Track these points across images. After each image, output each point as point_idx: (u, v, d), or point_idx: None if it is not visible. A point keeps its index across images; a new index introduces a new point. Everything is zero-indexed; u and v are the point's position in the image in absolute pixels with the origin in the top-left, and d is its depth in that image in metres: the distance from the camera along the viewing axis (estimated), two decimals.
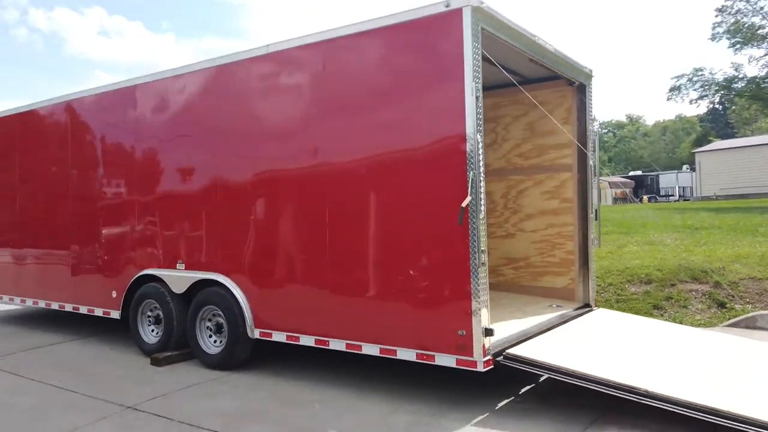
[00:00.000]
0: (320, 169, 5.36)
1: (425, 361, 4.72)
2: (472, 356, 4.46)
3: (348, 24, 5.13)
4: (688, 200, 39.83)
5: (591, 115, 6.73)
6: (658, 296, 8.41)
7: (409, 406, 4.80)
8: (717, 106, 61.51)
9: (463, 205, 4.41)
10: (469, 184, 4.43)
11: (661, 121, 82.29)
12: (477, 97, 4.47)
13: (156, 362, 6.39)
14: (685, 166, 52.20)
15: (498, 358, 4.59)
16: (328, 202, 5.31)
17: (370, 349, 5.04)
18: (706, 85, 32.94)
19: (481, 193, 4.48)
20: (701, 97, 33.95)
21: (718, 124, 65.73)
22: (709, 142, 51.09)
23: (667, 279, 8.84)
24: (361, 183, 5.09)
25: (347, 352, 5.19)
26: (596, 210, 6.69)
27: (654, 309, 8.17)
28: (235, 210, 6.02)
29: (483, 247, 4.48)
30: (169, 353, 6.49)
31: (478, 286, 4.45)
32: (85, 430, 4.57)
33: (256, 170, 5.86)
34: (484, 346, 4.45)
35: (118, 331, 8.08)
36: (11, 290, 8.73)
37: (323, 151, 5.32)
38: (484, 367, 4.43)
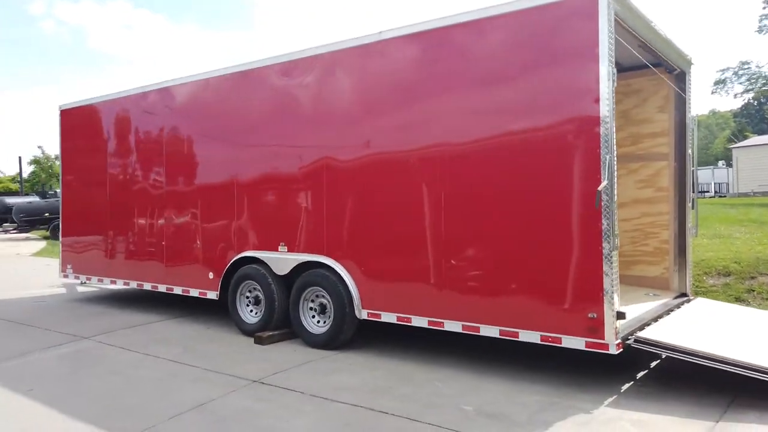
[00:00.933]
0: (439, 152, 5.46)
1: (549, 343, 4.82)
2: (603, 339, 4.54)
3: (479, 8, 5.18)
4: (724, 197, 39.11)
5: (689, 104, 6.73)
6: (739, 288, 8.36)
7: (532, 387, 4.91)
8: (752, 101, 60.21)
9: (600, 188, 4.49)
10: (605, 168, 4.50)
11: (695, 116, 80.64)
12: (612, 81, 4.53)
13: (260, 341, 6.59)
14: (720, 162, 51.23)
15: (627, 341, 4.67)
16: (448, 186, 5.40)
17: (489, 331, 5.15)
18: (753, 79, 32.33)
19: (614, 176, 4.55)
20: (746, 91, 33.33)
21: (753, 120, 64.36)
22: (746, 137, 50.05)
23: (746, 271, 8.78)
24: (487, 166, 5.18)
25: (464, 333, 5.31)
26: (693, 199, 6.70)
27: (736, 301, 8.14)
28: (344, 194, 6.16)
29: (616, 231, 4.56)
30: (271, 332, 6.69)
31: (611, 269, 4.53)
32: (221, 402, 4.76)
33: (366, 154, 5.98)
34: (615, 329, 4.53)
35: (208, 311, 8.35)
36: (101, 271, 9.03)
37: (445, 134, 5.41)
38: (616, 350, 4.51)
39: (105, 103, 8.99)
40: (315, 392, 4.87)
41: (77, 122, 9.51)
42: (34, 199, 26.56)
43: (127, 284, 8.64)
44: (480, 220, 5.22)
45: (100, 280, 9.10)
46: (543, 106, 4.85)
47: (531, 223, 4.93)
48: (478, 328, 5.21)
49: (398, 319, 5.75)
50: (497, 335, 5.10)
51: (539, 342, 4.87)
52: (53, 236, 24.68)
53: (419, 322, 5.60)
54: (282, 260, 6.69)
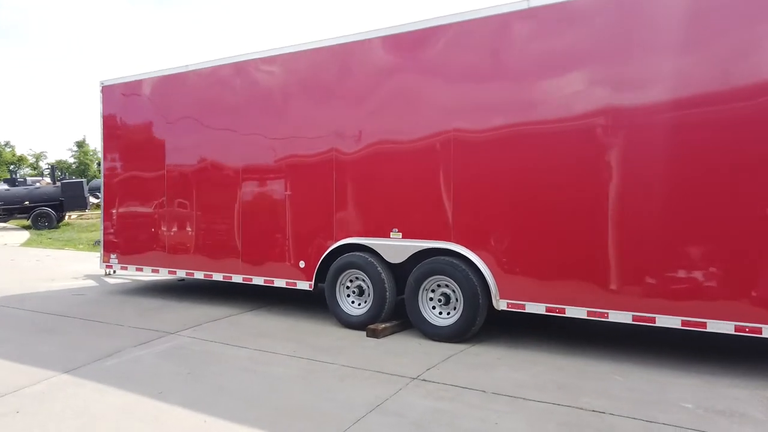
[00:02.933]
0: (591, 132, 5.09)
1: (744, 333, 4.53)
2: None
3: None
4: None
5: None
6: None
7: (727, 380, 4.59)
8: None
9: None
10: None
11: None
12: None
13: (374, 334, 6.11)
14: None
15: None
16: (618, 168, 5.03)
17: (668, 321, 4.82)
18: None
19: None
20: None
21: None
22: None
23: None
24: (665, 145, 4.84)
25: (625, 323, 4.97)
26: None
27: None
28: (478, 174, 5.71)
29: None
30: (386, 325, 6.22)
31: None
32: (397, 402, 4.29)
33: (507, 124, 5.55)
34: None
35: (279, 302, 7.80)
36: (157, 261, 8.33)
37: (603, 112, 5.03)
38: None
39: (161, 79, 8.26)
40: (495, 390, 4.45)
41: (124, 100, 8.73)
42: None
43: (191, 275, 7.97)
44: (659, 205, 4.87)
45: (155, 271, 8.39)
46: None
47: (723, 209, 4.61)
48: (654, 318, 4.88)
49: (548, 309, 5.37)
50: (679, 326, 4.78)
51: (733, 332, 4.57)
52: (35, 226, 23.29)
53: (576, 312, 5.24)
54: (396, 247, 6.21)
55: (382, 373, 4.92)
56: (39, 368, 5.24)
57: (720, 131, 4.63)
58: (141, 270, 8.59)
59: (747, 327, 4.52)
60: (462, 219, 5.82)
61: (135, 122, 8.58)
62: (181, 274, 8.08)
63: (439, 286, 6.03)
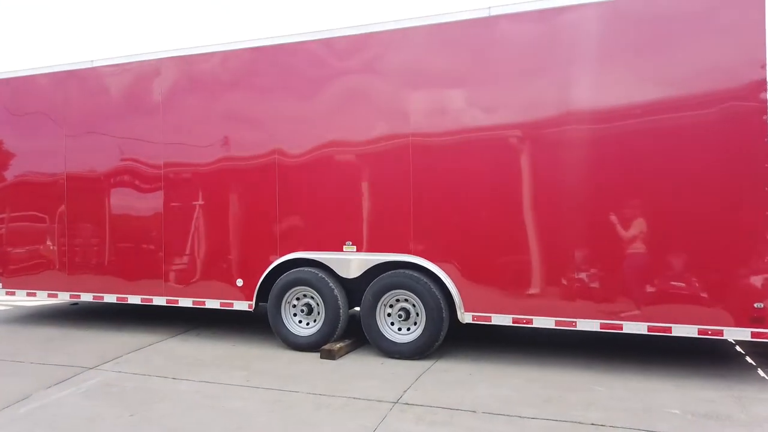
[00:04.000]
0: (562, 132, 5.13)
1: (708, 336, 4.73)
2: None
3: None
4: None
5: None
6: None
7: (694, 383, 4.75)
8: None
9: None
10: None
11: None
12: None
13: (330, 355, 5.68)
14: None
15: None
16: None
17: (635, 328, 4.92)
18: None
19: None
20: None
21: None
22: None
23: None
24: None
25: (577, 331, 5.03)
26: None
27: None
28: (438, 183, 5.52)
29: None
30: (341, 344, 5.82)
31: None
32: (387, 427, 3.95)
33: (459, 128, 5.43)
34: None
35: (199, 326, 7.10)
36: (54, 284, 7.21)
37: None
38: None
39: (58, 75, 7.20)
40: (485, 409, 4.25)
41: (12, 97, 7.51)
42: None
43: (100, 298, 6.98)
44: (633, 211, 4.97)
45: (53, 295, 7.25)
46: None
47: (691, 220, 4.80)
48: (621, 325, 4.96)
49: (514, 321, 5.29)
50: (645, 331, 4.90)
51: (696, 336, 4.76)
52: None
53: (543, 322, 5.20)
54: (352, 261, 5.84)
55: (358, 399, 4.53)
56: None
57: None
58: (34, 295, 7.38)
59: (709, 330, 4.72)
60: (422, 230, 5.59)
61: (24, 121, 7.39)
62: (88, 297, 7.05)
63: (398, 300, 5.75)
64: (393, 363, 5.51)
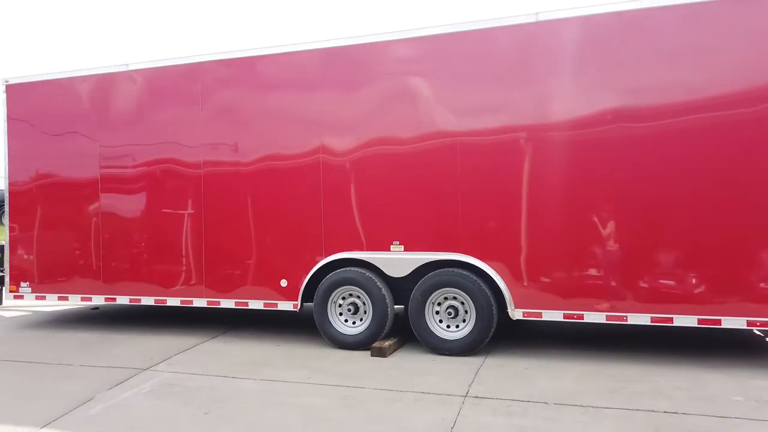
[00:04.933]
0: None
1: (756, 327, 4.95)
2: None
3: None
4: None
5: None
6: None
7: (745, 372, 4.92)
8: None
9: None
10: None
11: None
12: None
13: (380, 353, 5.77)
14: None
15: None
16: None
17: (684, 321, 5.11)
18: None
19: None
20: None
21: None
22: None
23: None
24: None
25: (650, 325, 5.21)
26: None
27: None
28: (484, 182, 5.65)
29: None
30: (390, 342, 5.91)
31: None
32: (466, 419, 4.06)
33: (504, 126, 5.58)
34: None
35: (243, 327, 7.14)
36: (87, 288, 7.18)
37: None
38: None
39: (92, 78, 7.18)
40: (556, 400, 4.38)
41: (38, 100, 7.46)
42: None
43: (137, 301, 6.97)
44: (672, 210, 5.16)
45: (87, 299, 7.22)
46: None
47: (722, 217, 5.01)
48: (671, 318, 5.15)
49: (565, 316, 5.45)
50: (695, 324, 5.09)
51: (745, 327, 4.97)
52: None
53: (594, 317, 5.37)
54: (400, 261, 5.94)
55: (427, 393, 4.63)
56: (7, 425, 4.22)
57: None
58: (66, 299, 7.33)
59: (758, 321, 4.94)
60: (471, 228, 5.71)
61: (56, 125, 7.34)
62: (124, 300, 7.03)
63: (446, 298, 5.86)
64: (445, 360, 5.62)
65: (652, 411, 4.11)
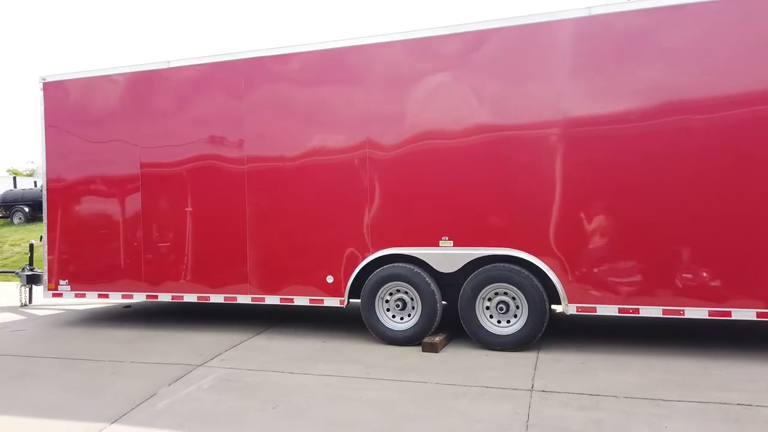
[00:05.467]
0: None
1: None
2: None
3: None
4: None
5: None
6: None
7: None
8: None
9: None
10: None
11: None
12: None
13: (431, 348, 5.78)
14: None
15: None
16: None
17: (743, 314, 5.10)
18: None
19: None
20: None
21: None
22: None
23: None
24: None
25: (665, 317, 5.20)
26: None
27: None
28: (539, 178, 5.64)
29: None
30: (441, 338, 5.91)
31: None
32: (537, 413, 4.05)
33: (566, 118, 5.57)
34: None
35: (284, 324, 7.13)
36: (128, 285, 7.17)
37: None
38: None
39: (136, 75, 7.17)
40: (626, 394, 4.37)
41: (76, 97, 7.46)
42: None
43: (179, 298, 6.96)
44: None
45: (128, 296, 7.21)
46: None
47: None
48: (730, 312, 5.13)
49: (620, 311, 5.44)
50: (754, 318, 5.07)
51: None
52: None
53: (650, 312, 5.36)
54: (450, 256, 5.93)
55: (491, 387, 4.63)
56: (74, 421, 4.22)
57: None
58: (106, 296, 7.32)
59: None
60: (523, 224, 5.70)
61: (95, 122, 7.34)
62: (166, 297, 7.03)
63: (496, 294, 5.85)
64: (498, 355, 5.61)
65: (725, 403, 4.11)
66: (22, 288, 9.52)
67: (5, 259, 15.31)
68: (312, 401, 4.47)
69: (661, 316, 5.33)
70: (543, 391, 4.51)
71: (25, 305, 9.50)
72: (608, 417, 3.97)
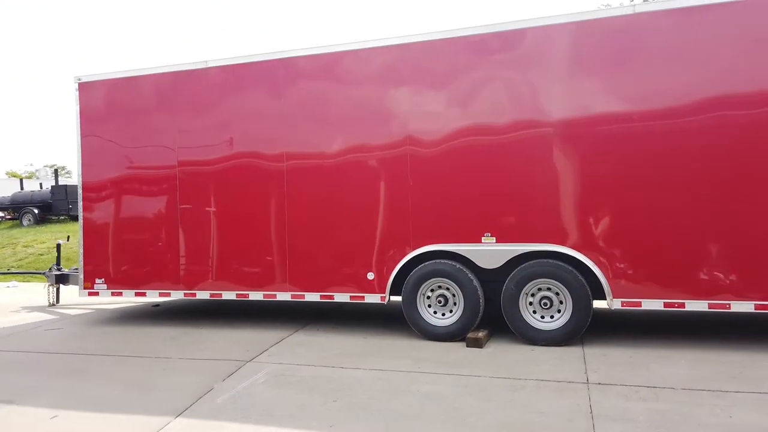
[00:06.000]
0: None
1: None
2: None
3: None
4: None
5: None
6: None
7: None
8: None
9: None
10: None
11: None
12: None
13: (476, 343, 5.83)
14: None
15: None
16: None
17: None
18: None
19: None
20: None
21: None
22: None
23: None
24: None
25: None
26: None
27: None
28: (584, 174, 5.70)
29: None
30: (484, 333, 5.96)
31: None
32: (599, 404, 4.09)
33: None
34: None
35: (321, 321, 7.18)
36: (164, 283, 7.22)
37: None
38: None
39: (177, 74, 7.22)
40: (682, 385, 4.43)
41: (112, 96, 7.51)
42: None
43: (218, 296, 7.01)
44: None
45: (165, 294, 7.26)
46: None
47: None
48: None
49: (666, 305, 5.49)
50: None
51: None
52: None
53: (695, 306, 5.41)
54: (493, 252, 5.98)
55: (547, 381, 4.68)
56: (139, 415, 4.26)
57: None
58: (143, 295, 7.37)
59: None
60: (567, 220, 5.76)
61: (131, 122, 7.39)
62: (204, 295, 7.08)
63: (540, 289, 5.91)
64: (543, 350, 5.66)
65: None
66: (50, 288, 9.57)
67: (20, 260, 15.37)
68: (370, 395, 4.51)
69: (707, 310, 5.38)
70: (599, 383, 4.56)
71: (53, 305, 9.55)
72: (671, 408, 4.02)
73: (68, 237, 11.59)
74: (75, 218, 26.57)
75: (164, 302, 9.06)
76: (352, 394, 4.54)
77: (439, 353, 5.65)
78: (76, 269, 8.26)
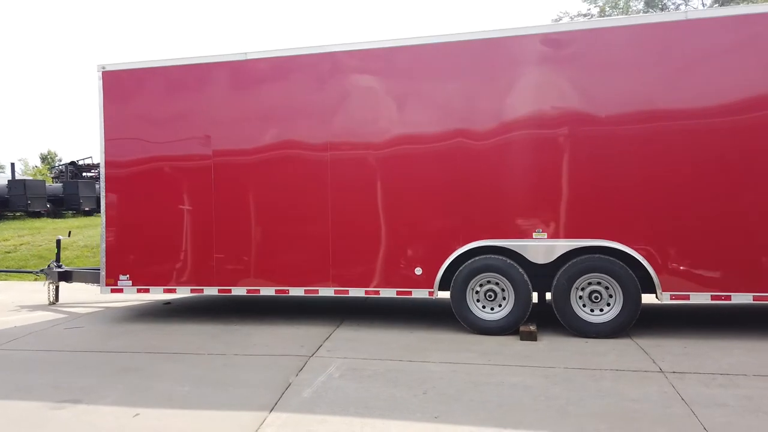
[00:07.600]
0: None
1: None
2: None
3: None
4: None
5: None
6: None
7: None
8: None
9: None
10: None
11: None
12: None
13: (530, 336, 5.95)
14: None
15: None
16: None
17: None
18: None
19: None
20: None
21: None
22: None
23: None
24: None
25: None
26: None
27: None
28: (634, 170, 5.89)
29: None
30: (534, 327, 6.08)
31: None
32: (685, 391, 4.26)
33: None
34: None
35: (360, 316, 7.15)
36: (196, 278, 7.03)
37: None
38: None
39: (199, 66, 7.04)
40: (755, 373, 4.66)
41: (140, 85, 7.26)
42: None
43: (256, 291, 6.87)
44: None
45: (197, 290, 7.05)
46: None
47: None
48: None
49: (713, 298, 5.75)
50: None
51: None
52: None
53: (741, 298, 5.69)
54: (545, 248, 6.10)
55: (623, 370, 4.83)
56: (229, 411, 4.16)
57: None
58: (173, 291, 7.13)
59: None
60: (616, 215, 5.93)
61: (160, 113, 7.16)
62: (240, 291, 6.92)
63: (589, 283, 6.07)
64: (596, 341, 5.82)
65: None
66: (51, 285, 9.13)
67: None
68: (455, 387, 4.54)
69: (752, 302, 5.66)
70: (674, 372, 4.74)
71: (53, 303, 9.11)
72: (754, 393, 4.22)
73: (69, 233, 11.08)
74: (33, 215, 25.35)
75: (175, 300, 8.81)
76: (438, 387, 4.55)
77: (496, 346, 5.73)
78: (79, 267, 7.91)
